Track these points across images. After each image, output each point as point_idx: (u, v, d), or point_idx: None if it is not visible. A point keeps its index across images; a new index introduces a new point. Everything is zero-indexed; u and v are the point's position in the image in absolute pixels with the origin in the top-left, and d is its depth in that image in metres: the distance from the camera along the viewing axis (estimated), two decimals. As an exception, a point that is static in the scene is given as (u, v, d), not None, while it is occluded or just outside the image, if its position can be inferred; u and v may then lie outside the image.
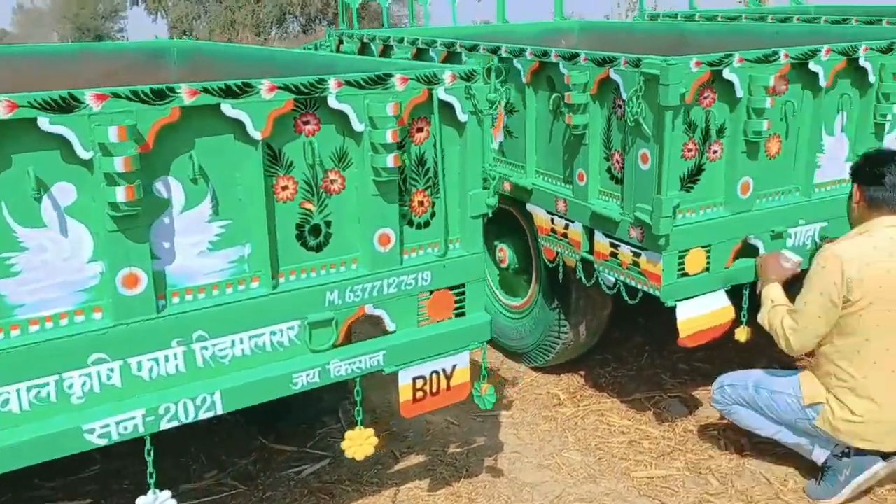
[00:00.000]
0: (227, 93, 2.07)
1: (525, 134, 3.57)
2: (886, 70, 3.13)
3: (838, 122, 3.19)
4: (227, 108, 2.07)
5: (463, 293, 2.60)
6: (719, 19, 6.03)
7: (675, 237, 2.87)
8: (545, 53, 3.30)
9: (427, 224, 2.53)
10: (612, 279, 3.17)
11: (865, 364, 2.60)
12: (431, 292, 2.54)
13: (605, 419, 3.61)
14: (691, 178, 2.93)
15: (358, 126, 2.28)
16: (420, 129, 2.43)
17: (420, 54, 4.30)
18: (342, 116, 2.26)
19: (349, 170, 2.34)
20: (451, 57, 3.99)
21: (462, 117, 2.45)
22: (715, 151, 2.95)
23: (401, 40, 4.50)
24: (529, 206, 3.63)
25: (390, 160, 2.28)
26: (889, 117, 3.21)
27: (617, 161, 3.06)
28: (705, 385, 3.84)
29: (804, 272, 2.84)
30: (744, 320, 3.18)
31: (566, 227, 3.39)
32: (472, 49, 3.81)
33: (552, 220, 3.48)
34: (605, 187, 3.17)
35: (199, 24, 32.00)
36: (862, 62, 3.09)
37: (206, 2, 31.89)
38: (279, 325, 2.29)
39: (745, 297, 3.17)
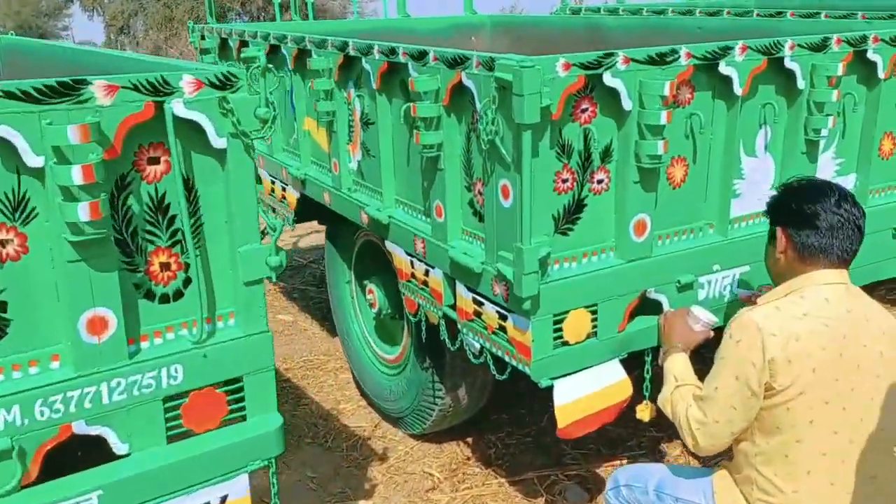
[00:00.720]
0: None
1: (380, 153, 2.84)
2: (819, 73, 2.46)
3: (760, 140, 2.51)
4: None
5: (240, 390, 1.85)
6: (644, 13, 5.39)
7: (547, 296, 2.16)
8: (393, 52, 2.57)
9: (178, 295, 1.77)
10: (478, 345, 2.45)
11: (797, 473, 1.91)
12: (187, 393, 1.78)
13: (486, 510, 2.89)
14: (569, 218, 2.22)
15: (33, 160, 1.51)
16: (154, 161, 1.67)
17: (273, 52, 3.56)
18: (6, 146, 1.49)
19: (32, 225, 1.57)
20: (303, 55, 3.25)
21: (217, 142, 1.70)
22: (600, 181, 2.24)
23: (255, 35, 3.74)
24: (388, 244, 2.89)
25: (85, 211, 1.51)
26: (824, 132, 2.54)
27: (479, 192, 2.34)
28: (615, 459, 3.15)
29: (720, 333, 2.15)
30: (646, 393, 2.48)
31: (426, 273, 2.66)
32: (321, 46, 3.06)
33: (412, 263, 2.75)
34: (469, 226, 2.45)
35: (136, 21, 30.73)
36: (788, 63, 2.41)
37: (143, -2, 30.62)
38: (-86, 466, 1.51)
39: (647, 365, 2.48)
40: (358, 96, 2.92)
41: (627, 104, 2.15)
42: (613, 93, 2.13)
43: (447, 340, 2.62)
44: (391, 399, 3.37)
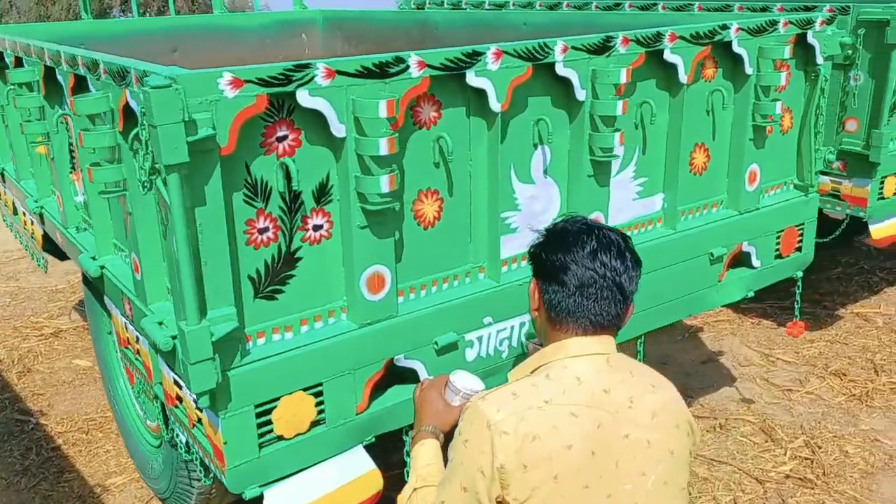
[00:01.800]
0: None
1: (86, 186, 2.27)
2: (601, 80, 2.03)
3: (537, 163, 2.06)
4: None
5: None
6: (486, 7, 4.98)
7: (243, 383, 1.65)
8: (74, 61, 2.00)
9: None
10: (185, 440, 1.92)
11: None
12: None
13: None
14: (276, 277, 1.71)
15: None
16: None
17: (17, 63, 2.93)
18: None
19: None
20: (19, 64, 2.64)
21: None
22: (318, 228, 1.74)
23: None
24: (107, 301, 2.33)
25: None
26: (614, 151, 2.12)
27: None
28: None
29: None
30: (408, 479, 2.00)
31: (138, 340, 2.11)
32: (27, 53, 2.46)
33: (126, 326, 2.20)
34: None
35: (8, 19, 28.71)
36: (561, 70, 1.97)
37: (15, -6, 28.65)
38: None
39: (407, 447, 2.00)
40: (69, 115, 2.34)
41: (339, 130, 1.66)
42: (318, 117, 1.64)
43: (162, 427, 2.08)
44: (153, 477, 2.80)
